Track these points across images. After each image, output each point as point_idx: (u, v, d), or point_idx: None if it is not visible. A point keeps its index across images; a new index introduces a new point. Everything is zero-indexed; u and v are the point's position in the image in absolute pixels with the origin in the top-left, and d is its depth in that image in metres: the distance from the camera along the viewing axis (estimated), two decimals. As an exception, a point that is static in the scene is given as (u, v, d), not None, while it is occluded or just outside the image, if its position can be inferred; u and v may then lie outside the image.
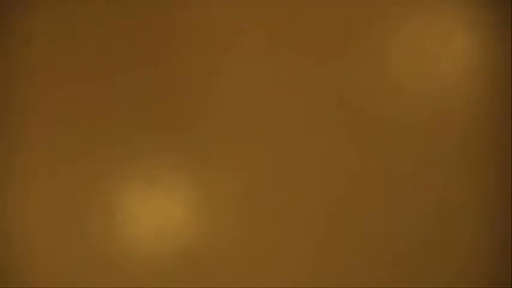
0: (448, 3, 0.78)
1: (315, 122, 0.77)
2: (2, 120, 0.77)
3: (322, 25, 0.78)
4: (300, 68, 0.77)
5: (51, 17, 0.78)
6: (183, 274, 0.75)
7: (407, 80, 0.77)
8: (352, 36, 0.78)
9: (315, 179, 0.76)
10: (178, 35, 0.78)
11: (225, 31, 0.78)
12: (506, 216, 0.76)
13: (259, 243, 0.76)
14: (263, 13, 0.78)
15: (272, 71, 0.77)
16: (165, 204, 0.76)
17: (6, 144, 0.76)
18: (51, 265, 0.75)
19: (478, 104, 0.77)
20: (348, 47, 0.78)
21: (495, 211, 0.76)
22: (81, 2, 0.78)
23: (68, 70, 0.77)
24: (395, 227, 0.76)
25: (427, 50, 0.77)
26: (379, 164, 0.76)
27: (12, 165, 0.76)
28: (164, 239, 0.76)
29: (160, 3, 0.78)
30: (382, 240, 0.76)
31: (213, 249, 0.76)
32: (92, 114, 0.77)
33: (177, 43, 0.78)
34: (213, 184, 0.76)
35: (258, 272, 0.75)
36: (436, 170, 0.76)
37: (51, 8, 0.78)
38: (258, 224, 0.76)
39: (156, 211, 0.76)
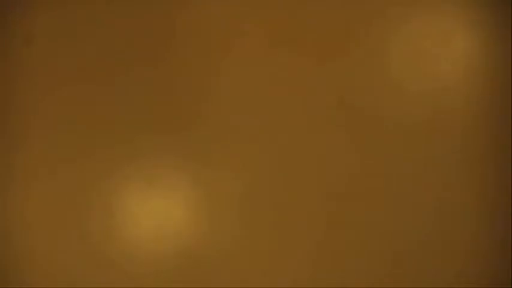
0: (448, 3, 0.78)
1: (315, 122, 0.77)
2: (2, 120, 0.77)
3: (322, 25, 0.78)
4: (300, 68, 0.77)
5: (51, 17, 0.78)
6: (183, 274, 0.75)
7: (407, 80, 0.77)
8: (352, 36, 0.78)
9: (315, 179, 0.76)
10: (178, 35, 0.78)
11: (225, 31, 0.78)
12: (506, 216, 0.76)
13: (259, 243, 0.76)
14: (263, 13, 0.78)
15: (272, 71, 0.77)
16: (165, 204, 0.76)
17: (6, 144, 0.76)
18: (51, 265, 0.75)
19: (478, 104, 0.77)
20: (348, 47, 0.78)
21: (495, 211, 0.76)
22: (81, 2, 0.78)
23: (68, 70, 0.77)
24: (395, 227, 0.76)
25: (427, 50, 0.77)
26: (379, 164, 0.76)
27: (12, 165, 0.76)
28: (164, 239, 0.76)
29: (160, 3, 0.78)
30: (382, 240, 0.76)
31: (213, 249, 0.76)
32: (92, 114, 0.77)
33: (177, 43, 0.78)
34: (213, 184, 0.76)
35: (258, 272, 0.75)
36: (436, 170, 0.76)
37: (51, 8, 0.78)
38: (258, 224, 0.76)
39: (156, 211, 0.76)
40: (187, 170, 0.76)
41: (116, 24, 0.78)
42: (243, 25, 0.78)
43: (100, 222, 0.76)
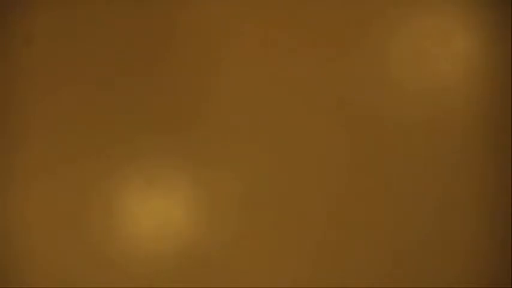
0: (448, 3, 0.78)
1: (315, 122, 0.77)
2: (2, 120, 0.77)
3: (322, 25, 0.78)
4: (300, 68, 0.77)
5: (51, 17, 0.78)
6: (183, 274, 0.75)
7: (407, 80, 0.77)
8: (352, 36, 0.78)
9: (315, 179, 0.76)
10: (178, 35, 0.78)
11: (225, 31, 0.78)
12: (506, 216, 0.76)
13: (259, 243, 0.76)
14: (263, 13, 0.78)
15: (272, 71, 0.77)
16: (165, 204, 0.76)
17: (6, 144, 0.76)
18: (51, 265, 0.75)
19: (478, 104, 0.77)
20: (348, 47, 0.78)
21: (495, 211, 0.76)
22: (81, 2, 0.78)
23: (68, 70, 0.77)
24: (395, 227, 0.76)
25: (427, 50, 0.77)
26: (379, 164, 0.76)
27: (12, 165, 0.76)
28: (164, 239, 0.76)
29: (160, 3, 0.78)
30: (382, 240, 0.76)
31: (213, 249, 0.76)
32: (92, 114, 0.77)
33: (177, 43, 0.78)
34: (213, 184, 0.76)
35: (258, 272, 0.75)
36: (436, 170, 0.76)
37: (51, 8, 0.78)
38: (258, 224, 0.76)
39: (156, 211, 0.76)
40: (187, 170, 0.76)
41: (116, 24, 0.78)
42: (243, 25, 0.78)
43: (100, 222, 0.76)
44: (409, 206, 0.76)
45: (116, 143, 0.77)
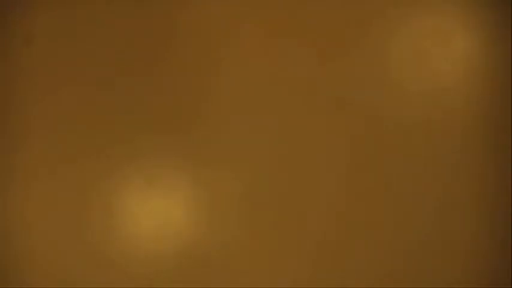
0: (448, 3, 0.78)
1: (315, 122, 0.77)
2: (2, 120, 0.77)
3: (322, 25, 0.78)
4: (300, 68, 0.77)
5: (51, 17, 0.78)
6: (183, 274, 0.75)
7: (407, 80, 0.77)
8: (352, 36, 0.78)
9: (315, 179, 0.76)
10: (178, 35, 0.78)
11: (225, 31, 0.78)
12: (506, 216, 0.76)
13: (259, 243, 0.76)
14: (263, 13, 0.78)
15: (272, 71, 0.77)
16: (165, 204, 0.76)
17: (6, 144, 0.76)
18: (51, 265, 0.75)
19: (478, 104, 0.77)
20: (348, 47, 0.78)
21: (495, 211, 0.76)
22: (81, 2, 0.78)
23: (68, 70, 0.77)
24: (395, 227, 0.76)
25: (427, 50, 0.77)
26: (378, 164, 0.76)
27: (12, 165, 0.76)
28: (164, 239, 0.76)
29: (160, 3, 0.78)
30: (382, 240, 0.76)
31: (213, 249, 0.76)
32: (92, 114, 0.77)
33: (177, 43, 0.78)
34: (213, 184, 0.76)
35: (258, 272, 0.75)
36: (436, 170, 0.76)
37: (51, 8, 0.78)
38: (258, 224, 0.76)
39: (156, 211, 0.76)
40: (187, 170, 0.76)
41: (116, 24, 0.78)
42: (243, 25, 0.78)
43: (100, 222, 0.76)
44: (409, 206, 0.76)
45: (116, 143, 0.77)
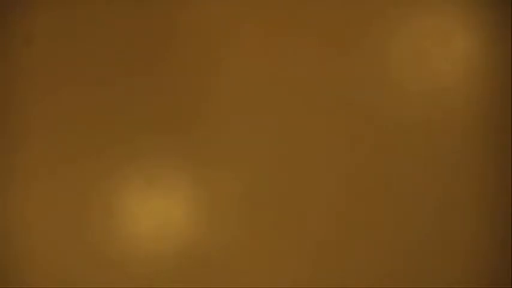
0: (448, 3, 0.78)
1: (315, 121, 0.77)
2: (2, 120, 0.77)
3: (322, 25, 0.78)
4: (300, 68, 0.77)
5: (51, 17, 0.78)
6: (183, 274, 0.75)
7: (407, 80, 0.77)
8: (352, 36, 0.78)
9: (315, 179, 0.76)
10: (178, 35, 0.78)
11: (225, 31, 0.78)
12: (506, 216, 0.76)
13: (259, 243, 0.76)
14: (263, 13, 0.78)
15: (272, 71, 0.77)
16: (165, 204, 0.76)
17: (6, 144, 0.76)
18: (51, 265, 0.75)
19: (478, 104, 0.77)
20: (348, 47, 0.78)
21: (495, 211, 0.76)
22: (81, 2, 0.78)
23: (68, 70, 0.77)
24: (395, 227, 0.76)
25: (427, 50, 0.77)
26: (379, 164, 0.76)
27: (12, 165, 0.76)
28: (164, 239, 0.76)
29: (160, 3, 0.78)
30: (382, 240, 0.76)
31: (213, 249, 0.76)
32: (92, 114, 0.77)
33: (177, 43, 0.78)
34: (213, 184, 0.76)
35: (258, 272, 0.75)
36: (436, 170, 0.76)
37: (51, 8, 0.78)
38: (258, 224, 0.76)
39: (156, 211, 0.76)
40: (187, 170, 0.76)
41: (116, 24, 0.78)
42: (243, 25, 0.78)
43: (100, 222, 0.76)
44: (409, 206, 0.76)
45: (116, 143, 0.77)
